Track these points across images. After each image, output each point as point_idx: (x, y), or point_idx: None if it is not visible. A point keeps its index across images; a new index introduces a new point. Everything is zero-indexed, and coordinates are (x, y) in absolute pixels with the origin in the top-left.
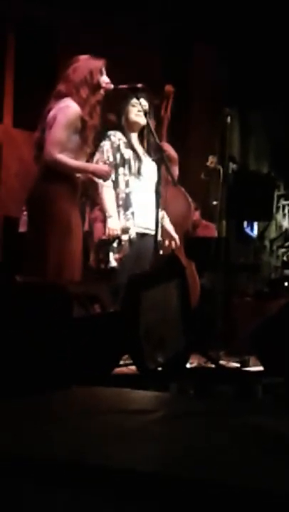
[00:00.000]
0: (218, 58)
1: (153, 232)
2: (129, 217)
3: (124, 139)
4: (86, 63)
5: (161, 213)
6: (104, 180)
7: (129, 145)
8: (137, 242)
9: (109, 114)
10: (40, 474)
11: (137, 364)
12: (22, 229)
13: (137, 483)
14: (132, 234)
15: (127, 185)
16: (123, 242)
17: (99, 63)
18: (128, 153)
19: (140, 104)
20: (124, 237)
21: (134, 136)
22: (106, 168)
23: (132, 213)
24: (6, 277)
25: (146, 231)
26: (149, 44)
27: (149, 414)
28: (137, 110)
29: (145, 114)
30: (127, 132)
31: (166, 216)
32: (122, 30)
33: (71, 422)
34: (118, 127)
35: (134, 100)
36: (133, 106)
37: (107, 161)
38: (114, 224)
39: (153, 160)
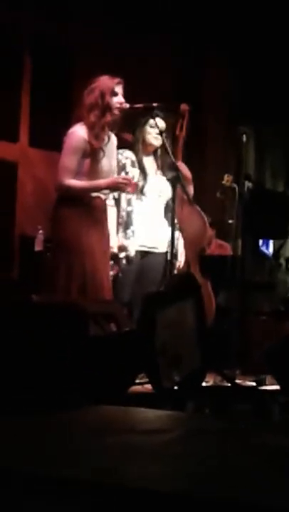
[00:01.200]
0: (231, 76)
1: (160, 251)
2: (130, 235)
3: (132, 158)
4: (99, 85)
5: (177, 234)
6: (123, 191)
7: (139, 164)
8: (139, 261)
9: (125, 134)
10: (51, 493)
11: (152, 383)
12: (38, 248)
13: (150, 502)
14: (132, 252)
15: (128, 203)
16: (120, 260)
17: (111, 84)
18: (133, 172)
19: (157, 125)
20: (121, 255)
21: (147, 156)
22: (119, 179)
23: (133, 232)
24: (23, 296)
25: (151, 250)
26: (159, 62)
27: (164, 433)
28: (155, 133)
29: (161, 133)
30: (140, 152)
31: (180, 237)
32: (133, 49)
33: (85, 442)
34: (131, 146)
35: (151, 121)
36: (151, 127)
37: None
38: (111, 241)
39: (168, 179)
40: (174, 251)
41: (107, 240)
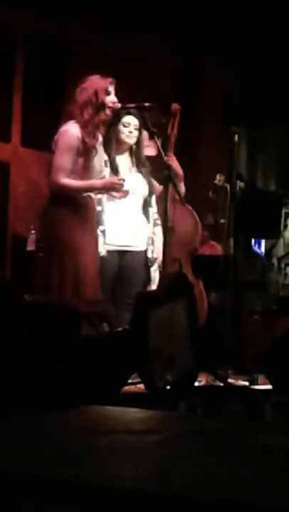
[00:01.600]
0: (227, 76)
1: (138, 249)
2: (99, 235)
3: (105, 158)
4: (92, 83)
5: (153, 230)
6: (118, 192)
7: (111, 164)
8: (118, 260)
9: None
10: (46, 493)
11: (145, 382)
12: (30, 247)
13: (143, 503)
14: (102, 252)
15: (98, 203)
16: None
17: (105, 83)
18: (105, 172)
19: (129, 124)
20: None
21: (121, 154)
22: (115, 179)
23: (103, 231)
24: (15, 296)
25: (128, 248)
26: (159, 62)
27: (157, 433)
28: (128, 131)
29: (139, 130)
30: (113, 151)
31: (159, 233)
32: (133, 49)
33: (77, 442)
34: (104, 145)
35: (125, 119)
36: (124, 126)
37: None
38: None
39: (160, 179)
40: (152, 248)
41: (96, 240)
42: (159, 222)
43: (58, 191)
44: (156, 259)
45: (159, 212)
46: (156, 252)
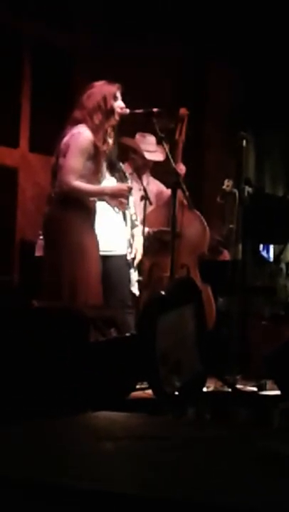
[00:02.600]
0: (233, 80)
1: (119, 253)
2: None
3: None
4: (100, 89)
5: (132, 231)
6: (125, 200)
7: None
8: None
9: (126, 139)
10: (48, 498)
11: (153, 388)
12: (38, 253)
13: (147, 509)
14: None
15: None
16: None
17: (113, 88)
18: None
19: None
20: None
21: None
22: (123, 187)
23: None
24: (23, 302)
25: (109, 253)
26: (165, 67)
27: (165, 440)
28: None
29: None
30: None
31: (138, 234)
32: (138, 53)
33: (85, 447)
34: None
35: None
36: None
37: None
38: None
39: (168, 184)
40: (130, 251)
41: (98, 243)
42: (137, 223)
43: (69, 193)
44: (133, 260)
45: (136, 212)
46: (134, 253)
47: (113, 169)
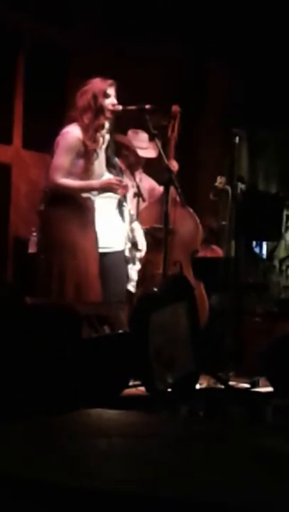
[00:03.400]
0: (229, 79)
1: (117, 249)
2: None
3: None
4: (91, 87)
5: (131, 226)
6: (115, 193)
7: None
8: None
9: (120, 136)
10: (42, 496)
11: (146, 385)
12: (31, 250)
13: (143, 506)
14: None
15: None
16: None
17: (104, 86)
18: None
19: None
20: None
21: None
22: (112, 180)
23: None
24: (16, 298)
25: (107, 250)
26: (161, 64)
27: (157, 437)
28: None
29: (110, 133)
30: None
31: (138, 227)
32: (133, 50)
33: (78, 444)
34: None
35: None
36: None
37: None
38: None
39: (161, 182)
40: (136, 242)
41: (96, 241)
42: (134, 217)
43: (55, 190)
44: (135, 256)
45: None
46: (141, 245)
47: (109, 165)
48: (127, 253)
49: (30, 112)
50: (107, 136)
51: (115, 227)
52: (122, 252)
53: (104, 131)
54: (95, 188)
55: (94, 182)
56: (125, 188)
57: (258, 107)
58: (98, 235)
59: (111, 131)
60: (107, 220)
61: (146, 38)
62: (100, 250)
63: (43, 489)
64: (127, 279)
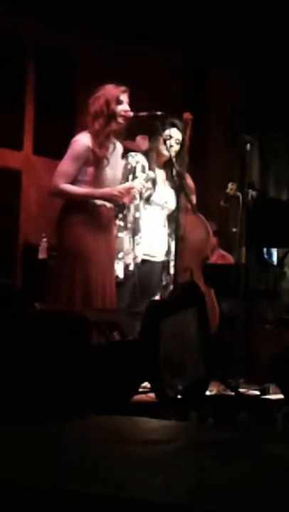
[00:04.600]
0: (237, 83)
1: (158, 260)
2: (138, 241)
3: (143, 163)
4: (104, 93)
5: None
6: (117, 203)
7: (149, 171)
8: (139, 269)
9: (129, 142)
10: (50, 503)
11: (156, 391)
12: (41, 256)
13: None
14: (139, 259)
15: (136, 209)
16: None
17: (116, 92)
18: (142, 178)
19: (170, 138)
20: (128, 261)
21: (159, 165)
22: (114, 191)
23: (141, 238)
24: (26, 304)
25: (151, 258)
26: (167, 71)
27: (167, 444)
28: (169, 144)
29: (181, 145)
30: (153, 161)
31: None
32: (140, 57)
33: (88, 451)
34: (145, 153)
35: (167, 132)
36: (167, 139)
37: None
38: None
39: (172, 188)
40: (173, 260)
41: (113, 248)
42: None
43: (57, 195)
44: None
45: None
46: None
47: (172, 179)
48: (172, 267)
49: (40, 118)
50: (118, 145)
51: (162, 237)
52: (161, 263)
53: (114, 138)
54: (95, 196)
55: (96, 190)
56: (131, 197)
57: (266, 113)
58: (143, 242)
59: (152, 140)
60: (156, 228)
61: (150, 42)
62: (144, 257)
63: (51, 496)
64: (163, 289)
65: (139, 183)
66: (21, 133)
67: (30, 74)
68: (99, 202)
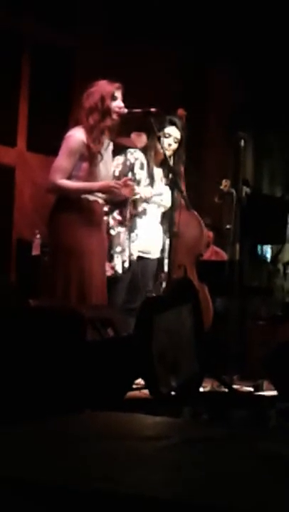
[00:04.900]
0: (234, 81)
1: (152, 257)
2: (134, 238)
3: (142, 160)
4: (99, 89)
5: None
6: (116, 196)
7: (147, 168)
8: (134, 265)
9: (123, 138)
10: (48, 500)
11: (150, 388)
12: (35, 252)
13: (148, 509)
14: (134, 256)
15: (134, 206)
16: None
17: (111, 88)
18: (141, 175)
19: (169, 136)
20: (124, 258)
21: (157, 163)
22: (112, 183)
23: (137, 235)
24: (20, 300)
25: (146, 255)
26: (164, 67)
27: (161, 440)
28: (168, 143)
29: (179, 143)
30: (151, 159)
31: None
32: (137, 53)
33: (82, 447)
34: (144, 150)
35: (167, 130)
36: (165, 137)
37: (115, 175)
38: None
39: (167, 185)
40: (168, 257)
41: (105, 244)
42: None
43: (55, 191)
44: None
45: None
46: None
47: (168, 177)
48: (166, 263)
49: (34, 114)
50: (106, 140)
51: (157, 234)
52: (156, 260)
53: (108, 134)
54: (94, 189)
55: (94, 184)
56: (130, 190)
57: (262, 110)
58: (139, 239)
59: (151, 138)
60: (152, 226)
61: (148, 40)
62: (138, 254)
63: (49, 492)
64: (159, 286)
65: (149, 192)
66: (15, 129)
67: (25, 70)
68: (92, 198)
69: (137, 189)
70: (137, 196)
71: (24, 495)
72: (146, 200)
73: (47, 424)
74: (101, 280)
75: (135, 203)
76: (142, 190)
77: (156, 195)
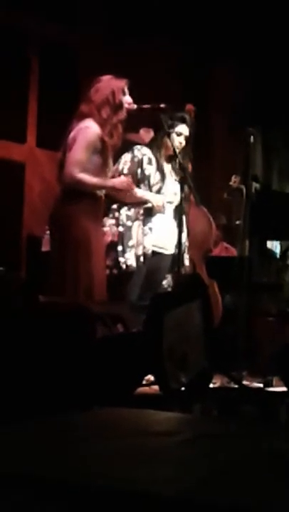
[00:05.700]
0: (239, 76)
1: (166, 252)
2: (147, 232)
3: (150, 155)
4: (108, 83)
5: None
6: (127, 193)
7: (158, 166)
8: (148, 261)
9: (131, 134)
10: (58, 497)
11: (159, 384)
12: (45, 248)
13: (160, 506)
14: (149, 250)
15: (149, 213)
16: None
17: (121, 83)
18: (150, 170)
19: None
20: (139, 252)
21: (166, 161)
22: (126, 179)
23: (150, 229)
24: (30, 297)
25: (160, 250)
26: (168, 63)
27: (172, 436)
28: (178, 141)
29: (187, 142)
30: (161, 155)
31: (186, 241)
32: (142, 51)
33: (92, 444)
34: (151, 146)
35: (178, 128)
36: (177, 135)
37: (124, 172)
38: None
39: (176, 180)
40: (182, 252)
41: (104, 239)
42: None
43: (72, 185)
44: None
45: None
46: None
47: (178, 173)
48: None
49: (43, 111)
50: (117, 135)
51: (170, 230)
52: (171, 256)
53: (120, 128)
54: (108, 186)
55: (109, 180)
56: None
57: (268, 104)
58: (156, 235)
59: (160, 135)
60: (165, 221)
61: (151, 37)
62: (154, 249)
63: (56, 489)
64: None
65: (161, 200)
66: (25, 126)
67: (34, 67)
68: (99, 192)
69: (149, 197)
70: (149, 205)
71: (30, 492)
72: (159, 210)
73: (55, 422)
74: (103, 274)
75: (149, 212)
76: (154, 199)
77: (168, 202)
